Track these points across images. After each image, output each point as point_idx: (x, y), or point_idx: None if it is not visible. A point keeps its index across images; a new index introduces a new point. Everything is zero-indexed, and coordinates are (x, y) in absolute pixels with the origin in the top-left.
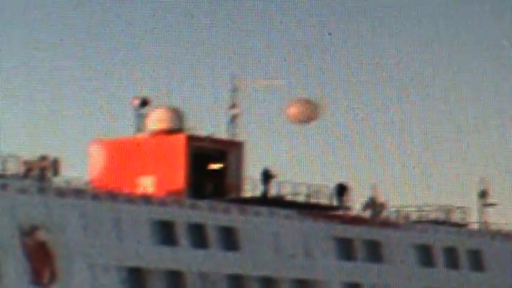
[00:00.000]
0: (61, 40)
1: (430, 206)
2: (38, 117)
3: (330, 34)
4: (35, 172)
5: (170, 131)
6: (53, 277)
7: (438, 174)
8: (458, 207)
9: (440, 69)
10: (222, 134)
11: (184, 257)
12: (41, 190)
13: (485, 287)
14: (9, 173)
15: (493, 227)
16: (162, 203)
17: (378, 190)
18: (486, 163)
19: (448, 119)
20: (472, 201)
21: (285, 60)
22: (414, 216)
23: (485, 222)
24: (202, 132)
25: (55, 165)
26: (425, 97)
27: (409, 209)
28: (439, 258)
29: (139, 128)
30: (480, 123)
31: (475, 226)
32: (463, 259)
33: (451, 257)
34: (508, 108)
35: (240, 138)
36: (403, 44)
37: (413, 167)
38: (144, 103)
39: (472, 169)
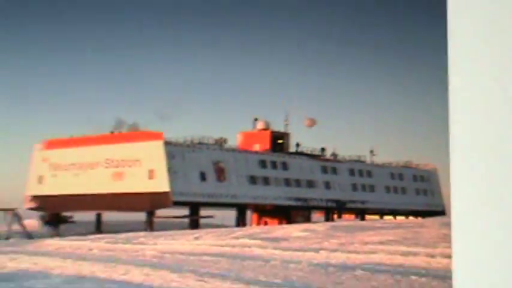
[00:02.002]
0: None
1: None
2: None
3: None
4: (218, 143)
5: (265, 129)
6: (224, 179)
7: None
8: (360, 156)
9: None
10: (282, 130)
11: (267, 172)
12: (220, 148)
13: (371, 187)
14: (210, 142)
15: (378, 162)
16: (262, 154)
17: (335, 150)
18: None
19: None
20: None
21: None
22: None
23: (373, 162)
24: (277, 129)
25: (224, 141)
26: None
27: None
28: (357, 174)
29: (254, 128)
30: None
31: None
32: (364, 174)
33: (360, 174)
34: None
35: (288, 131)
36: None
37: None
38: (256, 119)
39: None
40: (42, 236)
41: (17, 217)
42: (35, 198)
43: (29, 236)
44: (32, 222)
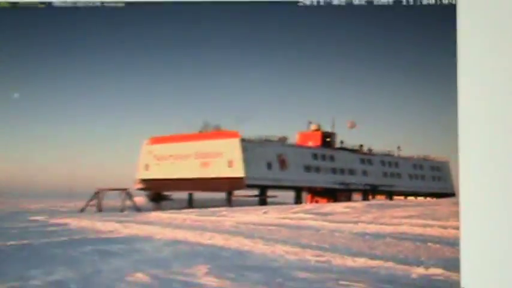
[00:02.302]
0: None
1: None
2: None
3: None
4: (281, 140)
5: (317, 130)
6: (285, 167)
7: None
8: (390, 150)
9: None
10: (330, 130)
11: (318, 162)
12: (282, 144)
13: (398, 175)
14: (275, 140)
15: (403, 156)
16: (314, 149)
17: (370, 146)
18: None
19: None
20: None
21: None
22: (380, 152)
23: (399, 155)
24: (326, 130)
25: (285, 138)
26: None
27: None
28: (387, 164)
29: (308, 129)
30: None
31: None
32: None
33: (389, 164)
34: None
35: (334, 132)
36: None
37: None
38: (310, 123)
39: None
40: (147, 210)
41: (129, 195)
42: (143, 181)
43: (138, 209)
44: (140, 199)
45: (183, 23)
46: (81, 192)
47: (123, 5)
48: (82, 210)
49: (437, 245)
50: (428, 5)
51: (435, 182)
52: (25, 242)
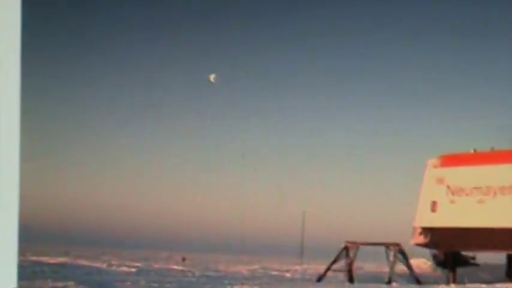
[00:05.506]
0: None
1: None
2: None
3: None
4: None
5: None
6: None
7: None
8: None
9: None
10: None
11: None
12: None
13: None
14: None
15: None
16: None
17: None
18: None
19: None
20: None
21: None
22: None
23: None
24: None
25: None
26: None
27: None
28: None
29: None
30: None
31: None
32: None
33: None
34: None
35: None
36: None
37: None
38: None
39: None
40: (433, 282)
41: (402, 254)
42: (426, 230)
43: (417, 279)
44: (421, 261)
45: None
46: (316, 247)
47: None
48: (320, 278)
49: None
50: None
51: None
52: None
